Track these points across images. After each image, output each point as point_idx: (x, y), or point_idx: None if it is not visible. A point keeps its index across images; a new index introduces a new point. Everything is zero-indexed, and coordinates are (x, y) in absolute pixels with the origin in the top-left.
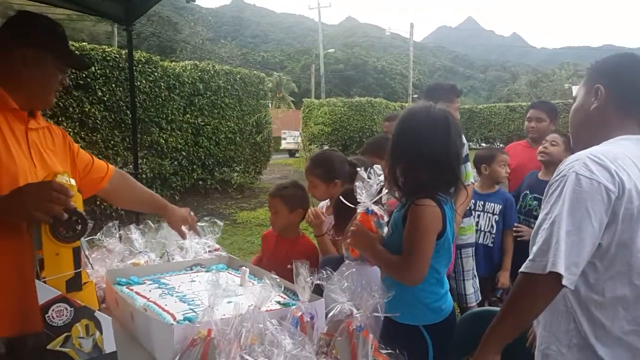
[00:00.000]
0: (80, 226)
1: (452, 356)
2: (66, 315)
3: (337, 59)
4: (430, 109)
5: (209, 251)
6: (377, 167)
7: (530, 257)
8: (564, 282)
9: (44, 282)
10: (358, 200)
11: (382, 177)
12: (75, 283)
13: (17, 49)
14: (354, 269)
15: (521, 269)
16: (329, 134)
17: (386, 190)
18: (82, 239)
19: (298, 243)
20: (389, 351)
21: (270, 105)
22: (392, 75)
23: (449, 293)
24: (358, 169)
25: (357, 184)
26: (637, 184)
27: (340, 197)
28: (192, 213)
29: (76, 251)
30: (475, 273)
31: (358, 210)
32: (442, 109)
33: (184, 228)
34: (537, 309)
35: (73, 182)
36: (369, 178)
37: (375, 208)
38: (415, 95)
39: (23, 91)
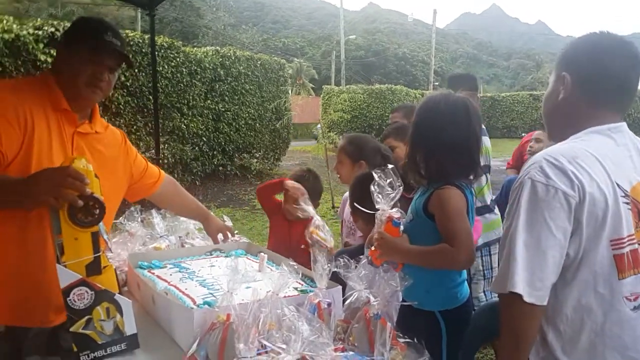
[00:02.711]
0: (98, 211)
1: (470, 346)
2: (87, 299)
3: (358, 45)
4: (449, 96)
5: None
6: (393, 170)
7: (497, 275)
8: (526, 300)
9: (65, 266)
10: (376, 206)
11: (399, 183)
12: (95, 267)
13: (59, 49)
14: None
15: (490, 288)
16: (349, 121)
17: (400, 192)
18: (100, 223)
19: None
20: (407, 340)
21: (290, 92)
22: (413, 63)
23: (465, 282)
24: (374, 172)
25: (373, 188)
26: (600, 185)
27: (355, 204)
28: (228, 225)
29: (95, 236)
30: (490, 274)
31: (379, 218)
32: (462, 97)
33: (219, 236)
34: (519, 327)
35: (90, 167)
36: (387, 183)
37: (397, 215)
38: (437, 83)
39: (63, 88)
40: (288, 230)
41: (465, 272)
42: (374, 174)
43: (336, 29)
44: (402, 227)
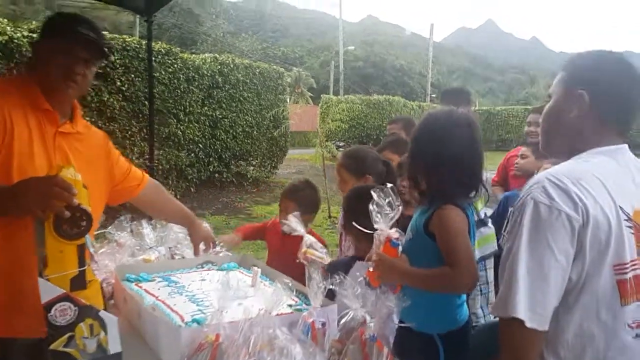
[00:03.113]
0: (84, 223)
1: None
2: (70, 315)
3: (357, 56)
4: (452, 112)
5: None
6: (392, 190)
7: (497, 298)
8: (528, 325)
9: (47, 279)
10: (375, 226)
11: (398, 202)
12: (79, 281)
13: (35, 46)
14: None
15: (489, 310)
16: (346, 131)
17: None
18: (87, 235)
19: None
20: None
21: (288, 101)
22: (410, 75)
23: (465, 304)
24: (373, 191)
25: (372, 207)
26: (604, 209)
27: (354, 223)
28: (213, 236)
29: (80, 248)
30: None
31: (378, 238)
32: (465, 113)
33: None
34: (520, 352)
35: (79, 177)
36: (385, 203)
37: (395, 236)
38: (434, 95)
39: (40, 86)
40: (281, 244)
41: (464, 295)
42: (373, 193)
43: (335, 39)
44: (400, 248)
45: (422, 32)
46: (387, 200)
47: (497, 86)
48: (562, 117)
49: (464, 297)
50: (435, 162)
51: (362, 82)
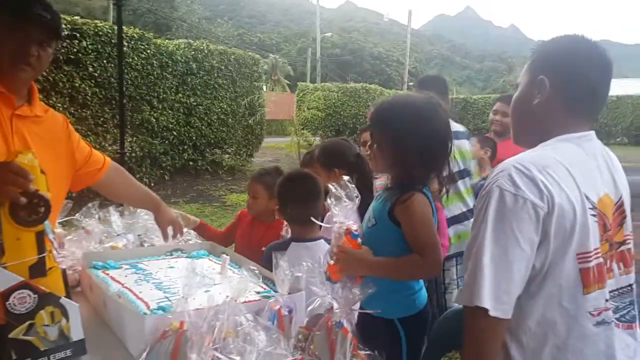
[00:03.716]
0: (42, 209)
1: (434, 353)
2: (29, 302)
3: (334, 43)
4: (410, 97)
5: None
6: (349, 182)
7: (462, 286)
8: (492, 314)
9: (5, 267)
10: (333, 219)
11: (356, 193)
12: (39, 268)
13: None
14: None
15: (454, 300)
16: (323, 119)
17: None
18: (46, 221)
19: (273, 227)
20: (368, 352)
21: (264, 88)
22: (388, 62)
23: (424, 289)
24: (330, 185)
25: (329, 201)
26: (569, 196)
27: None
28: (180, 220)
29: (39, 235)
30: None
31: (337, 231)
32: (425, 98)
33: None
34: (483, 340)
35: (36, 162)
36: (342, 195)
37: (354, 227)
38: (411, 83)
39: None
40: (250, 231)
41: (422, 280)
42: (330, 187)
43: (312, 26)
44: (360, 240)
45: (400, 19)
46: (345, 193)
47: (475, 74)
48: (527, 105)
49: (422, 282)
50: (404, 147)
51: (340, 69)
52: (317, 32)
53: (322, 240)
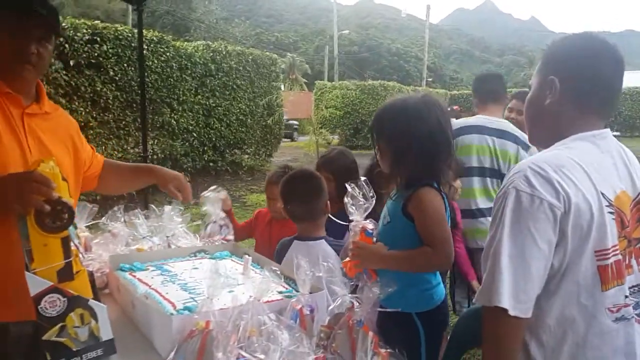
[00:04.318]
0: (66, 215)
1: (454, 351)
2: (59, 306)
3: (352, 40)
4: (408, 100)
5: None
6: (366, 182)
7: (481, 287)
8: (511, 313)
9: (34, 273)
10: (350, 217)
11: (372, 193)
12: (66, 273)
13: None
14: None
15: (474, 300)
16: (341, 118)
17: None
18: (70, 227)
19: (290, 224)
20: (389, 350)
21: (282, 87)
22: (406, 58)
23: (441, 284)
24: (347, 185)
25: (347, 200)
26: (585, 196)
27: (330, 216)
28: (181, 175)
29: (65, 241)
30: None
31: (353, 229)
32: (422, 97)
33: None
34: (503, 340)
35: (57, 170)
36: (360, 195)
37: (370, 226)
38: (430, 79)
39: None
40: (269, 231)
41: (439, 275)
42: (348, 187)
43: (329, 23)
44: (374, 239)
45: (418, 14)
46: (361, 193)
47: (495, 68)
48: (539, 106)
49: (439, 278)
50: (405, 147)
51: (357, 66)
52: (334, 30)
53: (323, 240)
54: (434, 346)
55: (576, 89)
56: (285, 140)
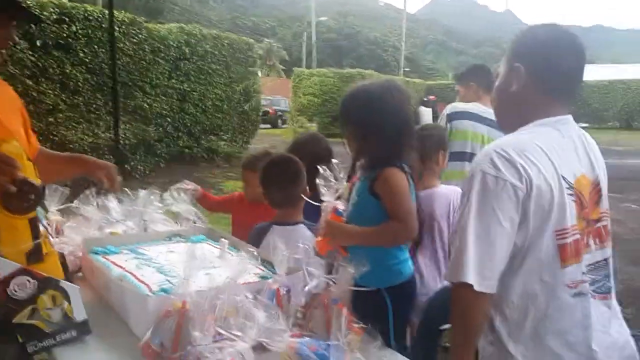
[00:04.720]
0: (33, 196)
1: (427, 329)
2: (29, 288)
3: (330, 27)
4: (388, 82)
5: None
6: (337, 165)
7: (449, 264)
8: (476, 289)
9: (2, 256)
10: (321, 198)
11: (342, 175)
12: (36, 255)
13: None
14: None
15: (443, 277)
16: (319, 105)
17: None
18: (39, 208)
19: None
20: (362, 326)
21: (259, 73)
22: (384, 47)
23: (409, 260)
24: (319, 167)
25: (318, 181)
26: (547, 178)
27: (306, 198)
28: (112, 165)
29: (33, 222)
30: None
31: (324, 209)
32: (391, 81)
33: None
34: (469, 314)
35: (22, 150)
36: (331, 176)
37: (340, 206)
38: (407, 69)
39: None
40: (248, 216)
41: (407, 251)
42: (320, 169)
43: (308, 9)
44: (344, 219)
45: (396, 3)
46: (332, 175)
47: (471, 60)
48: (505, 92)
49: (407, 254)
50: (369, 130)
51: (335, 54)
52: (313, 16)
53: (301, 225)
54: (401, 319)
55: (539, 76)
56: (266, 127)
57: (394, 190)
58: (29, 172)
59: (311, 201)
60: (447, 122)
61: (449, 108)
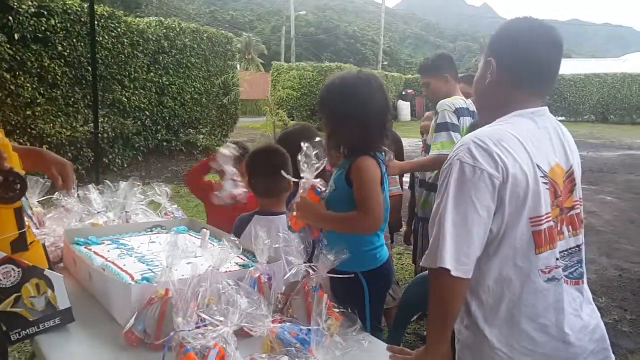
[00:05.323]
0: (19, 186)
1: (404, 315)
2: (14, 277)
3: (309, 22)
4: (361, 73)
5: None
6: (320, 144)
7: (427, 251)
8: (454, 274)
9: None
10: (301, 175)
11: (324, 155)
12: (20, 244)
13: None
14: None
15: (421, 263)
16: (298, 99)
17: (324, 165)
18: (23, 199)
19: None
20: (342, 310)
21: (238, 67)
22: (363, 42)
23: (385, 246)
24: (302, 144)
25: (299, 158)
26: (522, 167)
27: (283, 172)
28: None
29: (18, 212)
30: None
31: (303, 186)
32: (371, 72)
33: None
34: (446, 299)
35: (7, 141)
36: (312, 154)
37: (319, 184)
38: (386, 63)
39: None
40: (231, 213)
41: (382, 238)
42: (303, 145)
43: (286, 3)
44: (323, 197)
45: None
46: (314, 153)
47: (449, 54)
48: (482, 85)
49: (382, 241)
50: (344, 120)
51: (315, 48)
52: (292, 10)
53: (284, 215)
54: (378, 303)
55: (511, 69)
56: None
57: (363, 180)
58: (15, 163)
59: (289, 177)
60: (459, 117)
61: (449, 105)
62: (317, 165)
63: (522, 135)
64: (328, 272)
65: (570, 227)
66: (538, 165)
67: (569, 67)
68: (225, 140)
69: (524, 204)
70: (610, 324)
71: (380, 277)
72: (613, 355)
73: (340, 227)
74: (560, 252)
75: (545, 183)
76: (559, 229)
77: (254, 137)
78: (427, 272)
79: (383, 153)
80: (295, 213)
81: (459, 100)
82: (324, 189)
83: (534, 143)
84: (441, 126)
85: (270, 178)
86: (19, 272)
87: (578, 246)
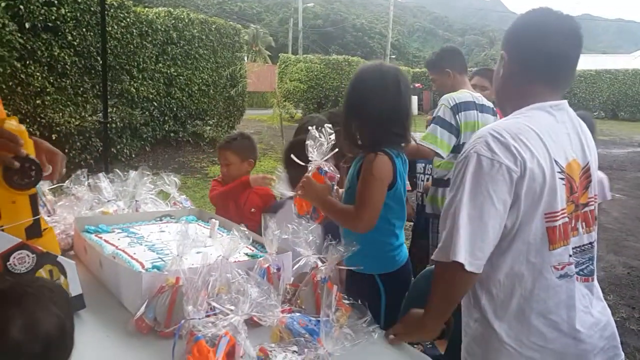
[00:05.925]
0: (34, 173)
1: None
2: (28, 262)
3: (316, 14)
4: (381, 66)
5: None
6: (328, 126)
7: (439, 244)
8: (467, 268)
9: (2, 230)
10: (309, 158)
11: (333, 136)
12: (34, 230)
13: None
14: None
15: (432, 257)
16: (305, 92)
17: (336, 149)
18: (38, 185)
19: (256, 189)
20: (352, 302)
21: (245, 59)
22: (370, 34)
23: (404, 245)
24: (310, 127)
25: (308, 142)
26: (539, 161)
27: (292, 155)
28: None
29: (33, 198)
30: None
31: (309, 169)
32: (393, 67)
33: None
34: (455, 293)
35: (23, 127)
36: (320, 136)
37: (327, 167)
38: (393, 56)
39: None
40: (231, 202)
41: (402, 236)
42: (310, 129)
43: None
44: (329, 182)
45: None
46: (322, 135)
47: (453, 47)
48: (497, 79)
49: (402, 239)
50: (366, 116)
51: (322, 41)
52: (299, 2)
53: None
54: (394, 308)
55: (522, 61)
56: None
57: (365, 177)
58: (30, 149)
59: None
60: (455, 114)
61: (449, 100)
62: (324, 147)
63: (539, 128)
64: (340, 265)
65: (584, 224)
66: (555, 160)
67: (579, 63)
68: (231, 131)
69: (539, 199)
70: (618, 321)
71: (398, 279)
72: (622, 353)
73: (333, 216)
74: (573, 249)
75: (562, 178)
76: (573, 225)
77: (260, 129)
78: (429, 268)
79: (401, 152)
80: (299, 192)
81: (464, 94)
82: (329, 171)
83: (551, 137)
84: (434, 119)
85: (302, 168)
86: (33, 257)
87: (590, 243)
